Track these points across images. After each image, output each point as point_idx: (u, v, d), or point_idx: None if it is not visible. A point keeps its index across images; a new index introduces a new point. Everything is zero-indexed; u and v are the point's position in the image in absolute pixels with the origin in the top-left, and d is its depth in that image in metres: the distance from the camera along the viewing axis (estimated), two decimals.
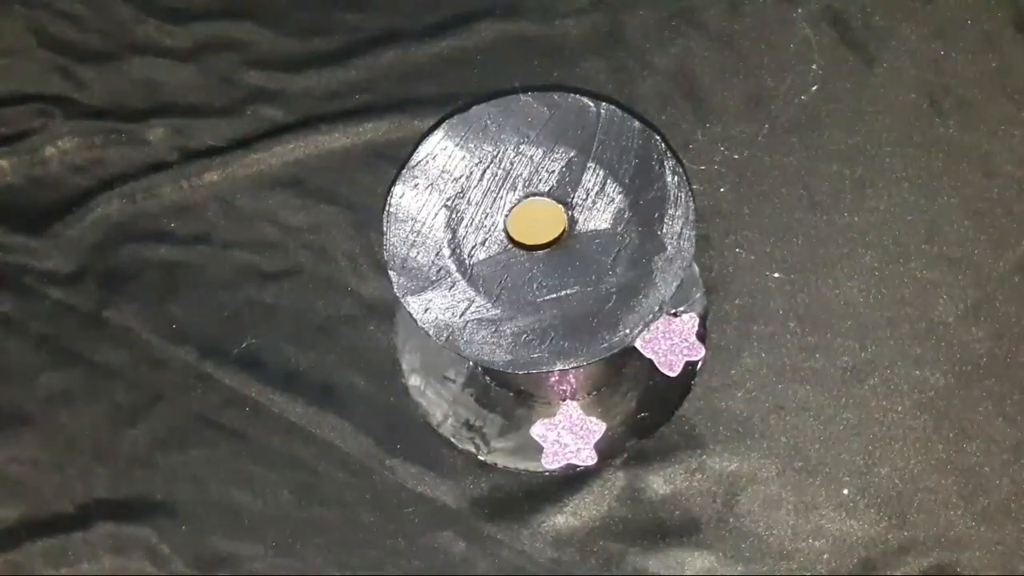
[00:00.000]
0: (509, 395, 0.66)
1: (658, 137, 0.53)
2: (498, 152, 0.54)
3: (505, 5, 0.76)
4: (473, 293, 0.51)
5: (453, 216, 0.52)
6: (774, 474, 0.64)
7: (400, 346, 0.67)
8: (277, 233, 0.71)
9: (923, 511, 0.63)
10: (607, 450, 0.64)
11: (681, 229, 0.51)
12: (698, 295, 0.67)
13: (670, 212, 0.52)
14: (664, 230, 0.51)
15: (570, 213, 0.52)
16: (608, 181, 0.53)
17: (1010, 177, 0.70)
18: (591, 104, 0.54)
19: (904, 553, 0.62)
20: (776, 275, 0.68)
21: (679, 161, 0.53)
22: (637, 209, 0.52)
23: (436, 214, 0.52)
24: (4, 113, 0.75)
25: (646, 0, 0.76)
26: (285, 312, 0.69)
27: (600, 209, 0.52)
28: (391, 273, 0.52)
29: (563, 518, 0.64)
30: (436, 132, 0.54)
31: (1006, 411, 0.65)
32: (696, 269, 0.68)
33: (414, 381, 0.66)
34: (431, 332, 0.51)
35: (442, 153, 0.54)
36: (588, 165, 0.53)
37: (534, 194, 0.53)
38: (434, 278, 0.51)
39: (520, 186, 0.53)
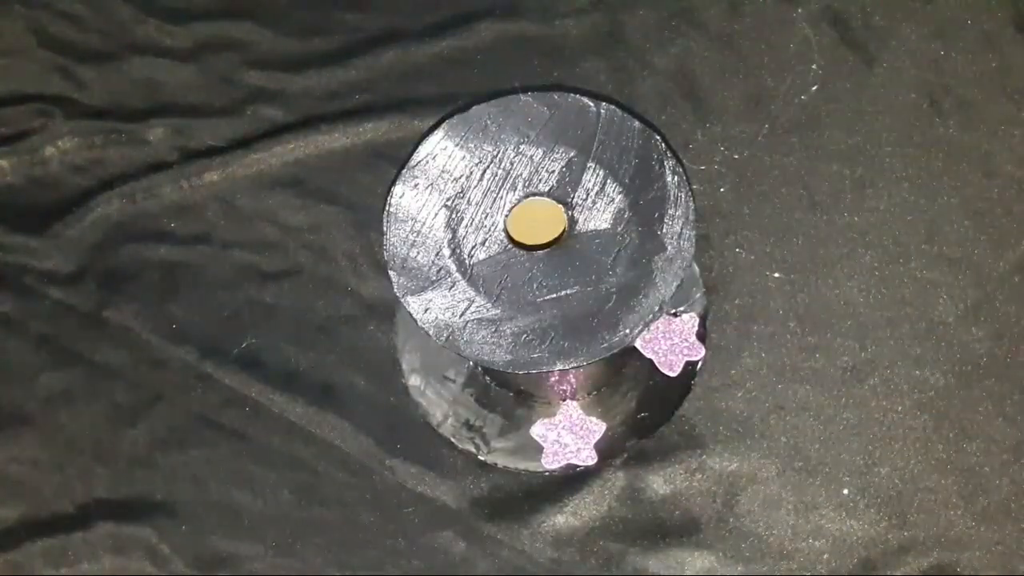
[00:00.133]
0: (509, 395, 0.66)
1: (658, 137, 0.53)
2: (498, 152, 0.54)
3: (505, 5, 0.76)
4: (473, 293, 0.51)
5: (453, 216, 0.52)
6: (774, 474, 0.64)
7: (400, 346, 0.67)
8: (277, 233, 0.71)
9: (923, 511, 0.63)
10: (607, 450, 0.64)
11: (681, 229, 0.51)
12: (698, 295, 0.67)
13: (670, 212, 0.52)
14: (664, 230, 0.51)
15: (570, 213, 0.52)
16: (608, 181, 0.53)
17: (1010, 177, 0.70)
18: (591, 104, 0.54)
19: (904, 553, 0.62)
20: (776, 275, 0.68)
21: (679, 161, 0.53)
22: (637, 209, 0.52)
23: (436, 214, 0.53)
24: (4, 113, 0.75)
25: (646, 0, 0.76)
26: (285, 312, 0.69)
27: (600, 209, 0.52)
28: (391, 273, 0.52)
29: (563, 518, 0.64)
30: (436, 132, 0.54)
31: (1006, 411, 0.65)
32: (696, 269, 0.68)
33: (414, 381, 0.66)
34: (431, 332, 0.51)
35: (442, 153, 0.54)
36: (588, 165, 0.53)
37: (534, 194, 0.53)
38: (434, 278, 0.51)
39: (520, 186, 0.53)
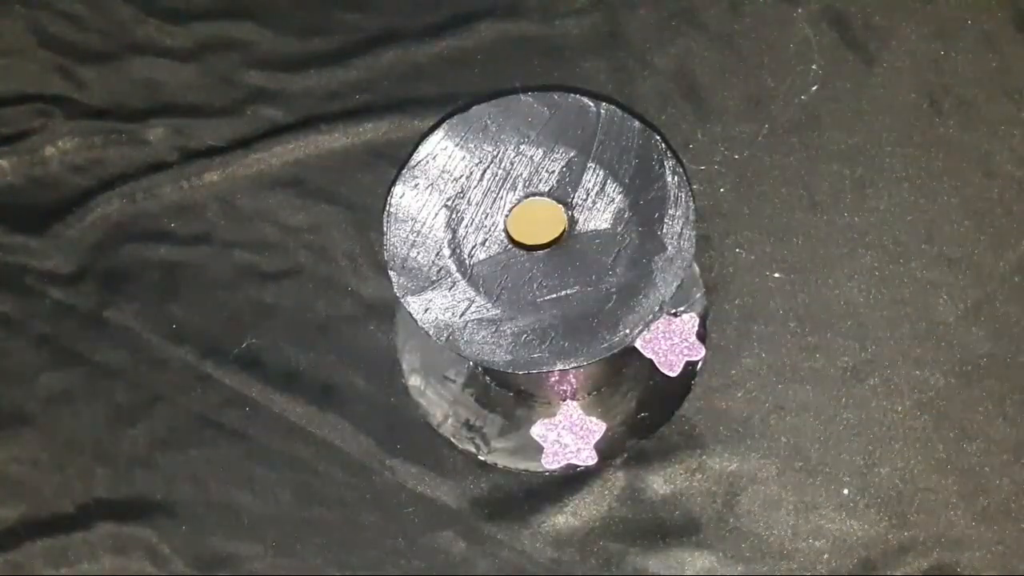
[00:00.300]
0: (509, 395, 0.66)
1: (658, 137, 0.53)
2: (498, 152, 0.54)
3: (505, 5, 0.76)
4: (473, 293, 0.51)
5: (453, 216, 0.52)
6: (774, 474, 0.64)
7: (400, 346, 0.67)
8: (277, 233, 0.71)
9: (923, 511, 0.63)
10: (607, 450, 0.64)
11: (681, 229, 0.51)
12: (698, 295, 0.67)
13: (670, 212, 0.52)
14: (664, 230, 0.51)
15: (570, 213, 0.52)
16: (608, 181, 0.53)
17: (1010, 177, 0.70)
18: (591, 104, 0.54)
19: (904, 553, 0.62)
20: (776, 275, 0.68)
21: (679, 161, 0.53)
22: (637, 209, 0.52)
23: (436, 214, 0.53)
24: (4, 113, 0.75)
25: (646, 0, 0.76)
26: (285, 312, 0.69)
27: (600, 209, 0.52)
28: (391, 273, 0.52)
29: (563, 518, 0.64)
30: (436, 132, 0.54)
31: (1006, 411, 0.65)
32: (696, 269, 0.68)
33: (414, 381, 0.66)
34: (431, 332, 0.51)
35: (442, 153, 0.54)
36: (588, 165, 0.53)
37: (534, 194, 0.53)
38: (434, 278, 0.51)
39: (520, 186, 0.53)
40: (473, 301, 0.51)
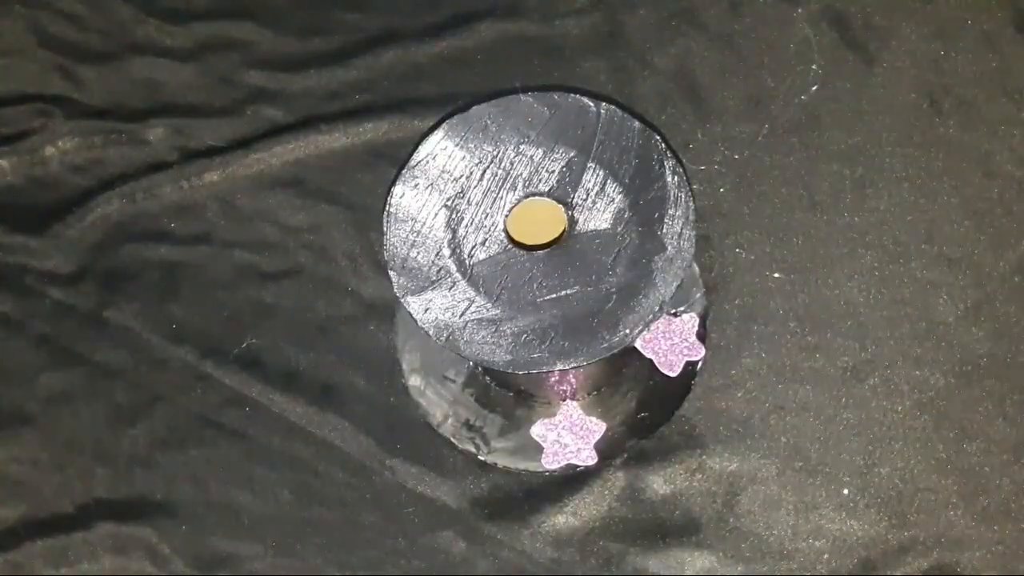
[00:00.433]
0: (509, 395, 0.66)
1: (658, 137, 0.53)
2: (498, 152, 0.54)
3: (505, 5, 0.76)
4: (473, 293, 0.51)
5: (453, 216, 0.52)
6: (774, 474, 0.64)
7: (400, 346, 0.67)
8: (277, 233, 0.71)
9: (923, 511, 0.63)
10: (607, 450, 0.64)
11: (681, 229, 0.51)
12: (698, 295, 0.67)
13: (670, 212, 0.52)
14: (664, 230, 0.51)
15: (570, 213, 0.52)
16: (608, 181, 0.53)
17: (1010, 177, 0.70)
18: (591, 104, 0.54)
19: (904, 553, 0.62)
20: (776, 275, 0.68)
21: (679, 161, 0.53)
22: (637, 209, 0.52)
23: (436, 214, 0.53)
24: (4, 113, 0.75)
25: (646, 0, 0.76)
26: (285, 312, 0.69)
27: (600, 209, 0.52)
28: (391, 273, 0.52)
29: (563, 518, 0.64)
30: (436, 132, 0.54)
31: (1006, 411, 0.65)
32: (696, 269, 0.68)
33: (414, 381, 0.66)
34: (431, 332, 0.51)
35: (442, 153, 0.54)
36: (588, 165, 0.53)
37: (534, 194, 0.53)
38: (434, 278, 0.51)
39: (520, 186, 0.53)
40: (473, 301, 0.51)
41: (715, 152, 0.72)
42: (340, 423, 0.66)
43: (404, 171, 0.53)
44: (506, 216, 0.52)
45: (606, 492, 0.64)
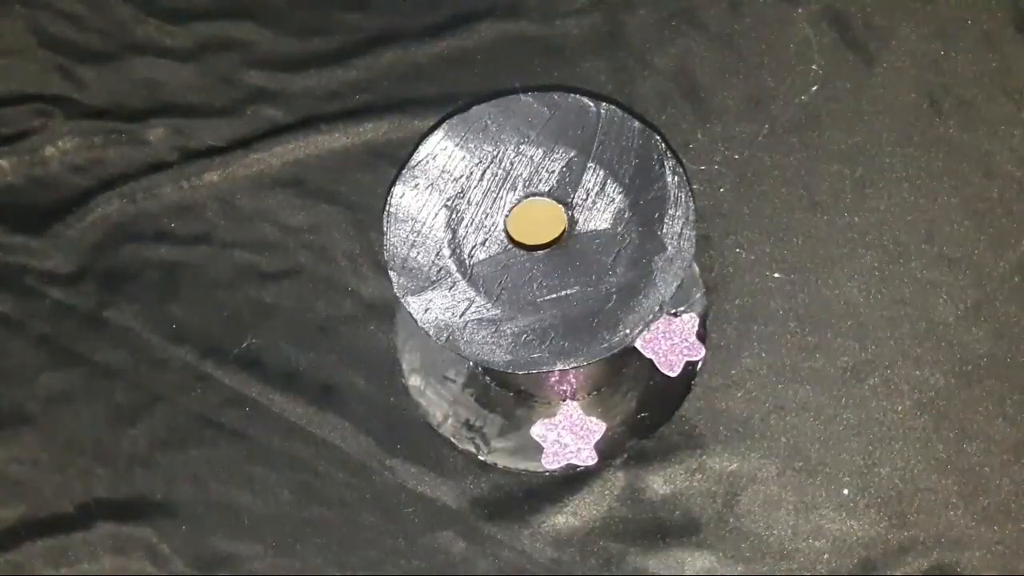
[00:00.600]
0: (509, 395, 0.66)
1: (658, 137, 0.53)
2: (498, 152, 0.54)
3: (505, 5, 0.76)
4: (473, 293, 0.51)
5: (453, 216, 0.52)
6: (774, 474, 0.64)
7: (400, 346, 0.67)
8: (277, 233, 0.71)
9: (923, 511, 0.63)
10: (607, 450, 0.64)
11: (681, 229, 0.51)
12: (698, 295, 0.67)
13: (670, 212, 0.52)
14: (664, 230, 0.51)
15: (570, 213, 0.52)
16: (608, 181, 0.53)
17: (1010, 177, 0.70)
18: (591, 104, 0.54)
19: (904, 553, 0.62)
20: (776, 275, 0.68)
21: (679, 161, 0.53)
22: (637, 209, 0.52)
23: (436, 214, 0.53)
24: (4, 113, 0.75)
25: (646, 0, 0.76)
26: (285, 312, 0.69)
27: (600, 209, 0.52)
28: (391, 273, 0.52)
29: (563, 518, 0.64)
30: (436, 132, 0.54)
31: (1006, 411, 0.65)
32: (696, 269, 0.68)
33: (414, 381, 0.66)
34: (431, 332, 0.51)
35: (442, 153, 0.54)
36: (588, 165, 0.53)
37: (534, 194, 0.53)
38: (434, 278, 0.51)
39: (520, 186, 0.53)
40: (473, 301, 0.51)
41: (715, 152, 0.72)
42: (340, 423, 0.66)
43: (404, 171, 0.53)
44: (506, 216, 0.52)
45: (606, 492, 0.64)
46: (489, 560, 0.63)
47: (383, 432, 0.66)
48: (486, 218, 0.52)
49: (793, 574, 0.62)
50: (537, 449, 0.64)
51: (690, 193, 0.52)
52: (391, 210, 0.53)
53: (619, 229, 0.52)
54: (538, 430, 0.64)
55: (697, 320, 0.66)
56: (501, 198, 0.53)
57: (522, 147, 0.54)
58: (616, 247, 0.51)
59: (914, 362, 0.66)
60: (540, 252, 0.52)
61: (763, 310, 0.68)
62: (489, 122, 0.54)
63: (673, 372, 0.64)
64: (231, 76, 0.75)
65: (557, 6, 0.76)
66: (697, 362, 0.65)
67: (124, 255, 0.71)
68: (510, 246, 0.52)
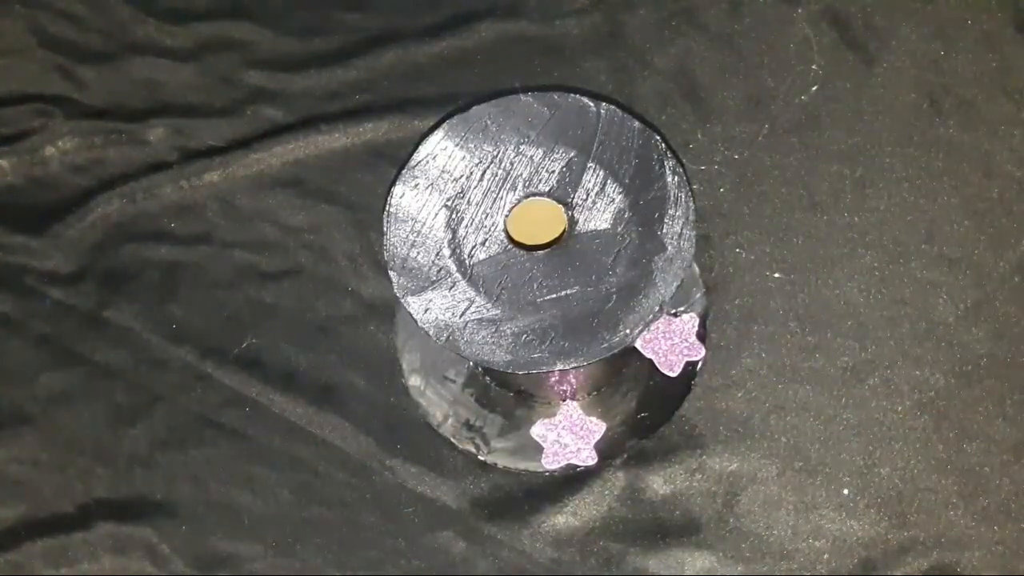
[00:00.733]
0: (509, 395, 0.66)
1: (658, 137, 0.53)
2: (498, 152, 0.54)
3: (505, 5, 0.76)
4: (473, 293, 0.51)
5: (453, 216, 0.52)
6: (774, 474, 0.64)
7: (400, 346, 0.67)
8: (277, 233, 0.71)
9: (923, 511, 0.63)
10: (607, 450, 0.64)
11: (681, 229, 0.51)
12: (698, 295, 0.67)
13: (670, 212, 0.52)
14: (664, 230, 0.51)
15: (570, 213, 0.52)
16: (608, 181, 0.53)
17: (1010, 177, 0.70)
18: (591, 104, 0.54)
19: (904, 553, 0.62)
20: (776, 275, 0.68)
21: (679, 161, 0.53)
22: (637, 209, 0.52)
23: (436, 214, 0.53)
24: (4, 113, 0.75)
25: (646, 0, 0.76)
26: (285, 312, 0.69)
27: (600, 209, 0.52)
28: (391, 273, 0.52)
29: (563, 518, 0.64)
30: (436, 132, 0.54)
31: (1006, 411, 0.65)
32: (696, 269, 0.68)
33: (414, 381, 0.66)
34: (431, 332, 0.51)
35: (442, 153, 0.54)
36: (588, 165, 0.53)
37: (534, 194, 0.53)
38: (434, 278, 0.51)
39: (520, 186, 0.53)
40: (473, 301, 0.51)
41: (715, 152, 0.72)
42: (340, 423, 0.66)
43: (404, 171, 0.53)
44: (506, 216, 0.52)
45: (606, 492, 0.64)
46: (489, 560, 0.63)
47: (383, 432, 0.66)
48: (486, 218, 0.52)
49: (793, 574, 0.62)
50: (537, 449, 0.64)
51: (690, 193, 0.52)
52: (391, 210, 0.53)
53: (619, 229, 0.52)
54: (538, 430, 0.64)
55: (697, 320, 0.66)
56: (501, 198, 0.53)
57: (522, 147, 0.54)
58: (616, 247, 0.51)
59: (914, 362, 0.66)
60: (540, 252, 0.52)
61: (763, 310, 0.68)
62: (489, 122, 0.54)
63: (673, 372, 0.64)
64: (231, 76, 0.75)
65: (557, 6, 0.76)
66: (697, 362, 0.65)
67: (124, 255, 0.71)
68: (510, 246, 0.52)
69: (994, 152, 0.71)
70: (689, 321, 0.65)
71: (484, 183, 0.53)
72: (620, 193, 0.52)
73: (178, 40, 0.77)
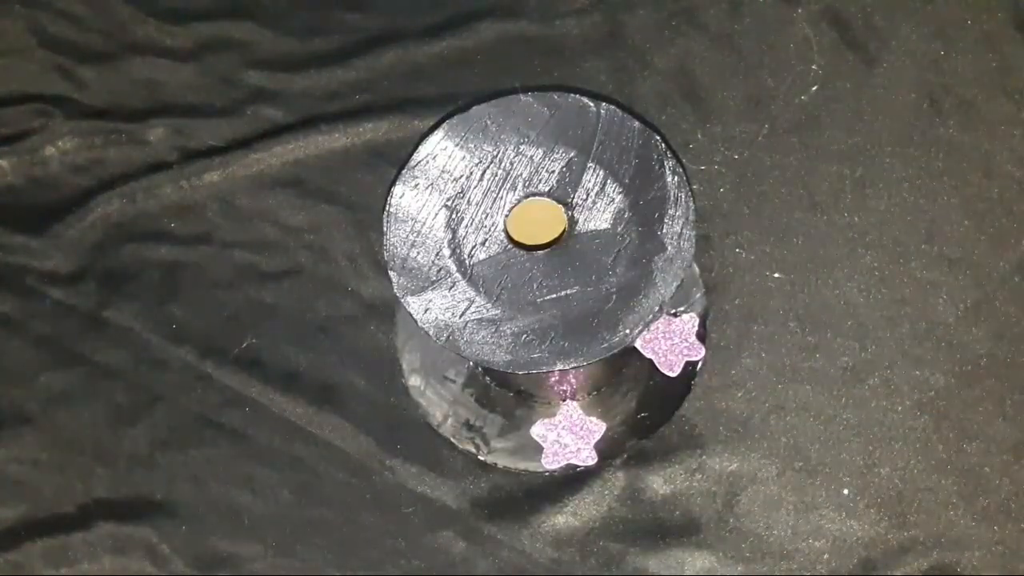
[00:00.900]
0: (509, 395, 0.66)
1: (658, 137, 0.53)
2: (498, 152, 0.54)
3: (505, 5, 0.76)
4: (473, 293, 0.51)
5: (453, 216, 0.52)
6: (774, 474, 0.64)
7: (400, 346, 0.67)
8: (277, 233, 0.71)
9: (923, 511, 0.63)
10: (607, 450, 0.64)
11: (681, 229, 0.51)
12: (698, 295, 0.67)
13: (670, 212, 0.52)
14: (664, 230, 0.51)
15: (570, 213, 0.52)
16: (608, 181, 0.53)
17: (1010, 177, 0.70)
18: (591, 104, 0.54)
19: (904, 553, 0.62)
20: (776, 275, 0.68)
21: (679, 161, 0.53)
22: (637, 209, 0.52)
23: (436, 214, 0.53)
24: (4, 113, 0.75)
25: (646, 0, 0.76)
26: (285, 312, 0.69)
27: (600, 209, 0.52)
28: (391, 273, 0.52)
29: (563, 518, 0.64)
30: (436, 132, 0.54)
31: (1006, 411, 0.65)
32: (696, 269, 0.68)
33: (414, 381, 0.66)
34: (431, 332, 0.51)
35: (442, 153, 0.54)
36: (588, 165, 0.53)
37: (534, 194, 0.53)
38: (434, 278, 0.51)
39: (520, 186, 0.53)
40: (473, 301, 0.51)
41: (715, 152, 0.72)
42: (340, 423, 0.66)
43: (404, 171, 0.53)
44: (506, 216, 0.52)
45: (606, 492, 0.64)
46: (489, 560, 0.63)
47: (383, 432, 0.66)
48: (486, 218, 0.52)
49: (793, 574, 0.62)
50: (537, 449, 0.64)
51: (690, 193, 0.52)
52: (391, 210, 0.53)
53: (619, 229, 0.52)
54: (538, 430, 0.64)
55: (697, 320, 0.66)
56: (501, 198, 0.53)
57: (522, 147, 0.54)
58: (616, 247, 0.51)
59: (914, 362, 0.66)
60: (540, 252, 0.52)
61: (763, 310, 0.68)
62: (489, 122, 0.54)
63: (673, 372, 0.64)
64: (231, 76, 0.75)
65: (557, 6, 0.76)
66: (697, 362, 0.65)
67: (124, 255, 0.71)
68: (510, 246, 0.52)
69: (994, 152, 0.71)
70: (689, 321, 0.65)
71: (484, 183, 0.53)
72: (620, 193, 0.52)
73: (178, 40, 0.77)
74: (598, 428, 0.64)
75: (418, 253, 0.52)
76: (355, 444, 0.66)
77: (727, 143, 0.72)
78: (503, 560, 0.63)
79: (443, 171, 0.53)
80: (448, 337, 0.50)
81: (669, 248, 0.51)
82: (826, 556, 0.62)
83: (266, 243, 0.71)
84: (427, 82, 0.74)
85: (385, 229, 0.52)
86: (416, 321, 0.51)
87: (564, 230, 0.52)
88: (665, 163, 0.53)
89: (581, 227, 0.52)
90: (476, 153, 0.53)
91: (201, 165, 0.73)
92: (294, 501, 0.65)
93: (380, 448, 0.65)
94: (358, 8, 0.77)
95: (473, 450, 0.65)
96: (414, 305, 0.51)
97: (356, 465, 0.65)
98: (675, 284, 0.50)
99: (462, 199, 0.53)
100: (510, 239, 0.52)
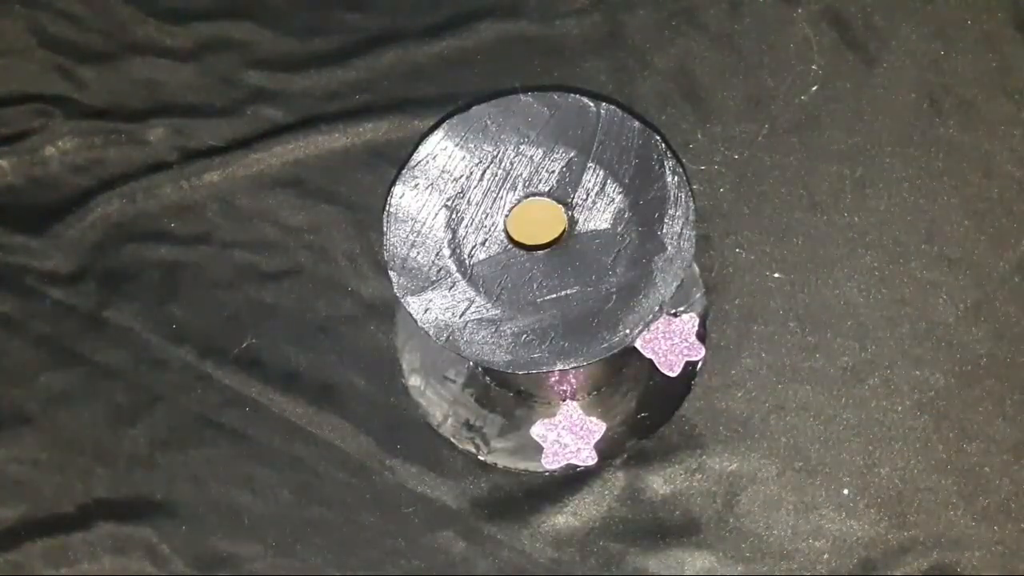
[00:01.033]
0: (509, 395, 0.66)
1: (658, 137, 0.53)
2: (498, 152, 0.54)
3: (505, 5, 0.76)
4: (473, 293, 0.51)
5: (453, 216, 0.52)
6: (774, 474, 0.64)
7: (400, 346, 0.67)
8: (277, 233, 0.71)
9: (923, 511, 0.63)
10: (607, 450, 0.64)
11: (681, 229, 0.51)
12: (698, 295, 0.67)
13: (670, 212, 0.52)
14: (664, 230, 0.51)
15: (570, 213, 0.52)
16: (608, 181, 0.53)
17: (1010, 177, 0.70)
18: (591, 104, 0.54)
19: (904, 553, 0.62)
20: (776, 275, 0.68)
21: (679, 161, 0.53)
22: (637, 209, 0.52)
23: (436, 214, 0.53)
24: (4, 113, 0.75)
25: (646, 0, 0.76)
26: (285, 312, 0.69)
27: (600, 209, 0.52)
28: (391, 273, 0.52)
29: (563, 518, 0.64)
30: (436, 132, 0.54)
31: (1006, 411, 0.65)
32: (696, 269, 0.68)
33: (414, 381, 0.66)
34: (431, 332, 0.51)
35: (442, 153, 0.54)
36: (588, 165, 0.53)
37: (534, 194, 0.53)
38: (434, 278, 0.51)
39: (520, 186, 0.53)
40: (473, 301, 0.51)
41: (715, 152, 0.72)
42: (340, 423, 0.66)
43: (404, 171, 0.53)
44: (506, 216, 0.52)
45: (606, 492, 0.64)
46: (489, 560, 0.63)
47: (383, 432, 0.66)
48: (486, 218, 0.52)
49: (793, 574, 0.62)
50: (537, 449, 0.64)
51: (690, 193, 0.52)
52: (391, 210, 0.53)
53: (619, 229, 0.52)
54: (538, 430, 0.64)
55: (697, 320, 0.66)
56: (501, 198, 0.53)
57: (522, 147, 0.54)
58: (616, 247, 0.51)
59: (914, 362, 0.66)
60: (540, 252, 0.52)
61: (763, 310, 0.68)
62: (489, 122, 0.54)
63: (673, 372, 0.64)
64: (231, 76, 0.75)
65: (557, 6, 0.76)
66: (697, 362, 0.65)
67: (124, 255, 0.71)
68: (510, 246, 0.52)
69: (994, 152, 0.71)
70: (689, 321, 0.65)
71: (484, 183, 0.53)
72: (620, 193, 0.52)
73: (178, 40, 0.77)
74: (598, 428, 0.64)
75: (418, 253, 0.52)
76: (355, 444, 0.66)
77: (727, 143, 0.72)
78: (503, 560, 0.63)
79: (443, 171, 0.53)
80: (448, 337, 0.50)
81: (669, 248, 0.51)
82: (826, 556, 0.62)
83: (266, 243, 0.71)
84: (427, 82, 0.74)
85: (385, 229, 0.52)
86: (416, 321, 0.51)
87: (564, 230, 0.52)
88: (665, 163, 0.53)
89: (581, 227, 0.52)
90: (476, 153, 0.54)
91: (201, 165, 0.73)
92: (294, 501, 0.65)
93: (380, 448, 0.65)
94: (358, 8, 0.77)
95: (473, 450, 0.65)
96: (414, 305, 0.51)
97: (356, 465, 0.65)
98: (675, 284, 0.50)
99: (462, 199, 0.53)
100: (510, 239, 0.52)
